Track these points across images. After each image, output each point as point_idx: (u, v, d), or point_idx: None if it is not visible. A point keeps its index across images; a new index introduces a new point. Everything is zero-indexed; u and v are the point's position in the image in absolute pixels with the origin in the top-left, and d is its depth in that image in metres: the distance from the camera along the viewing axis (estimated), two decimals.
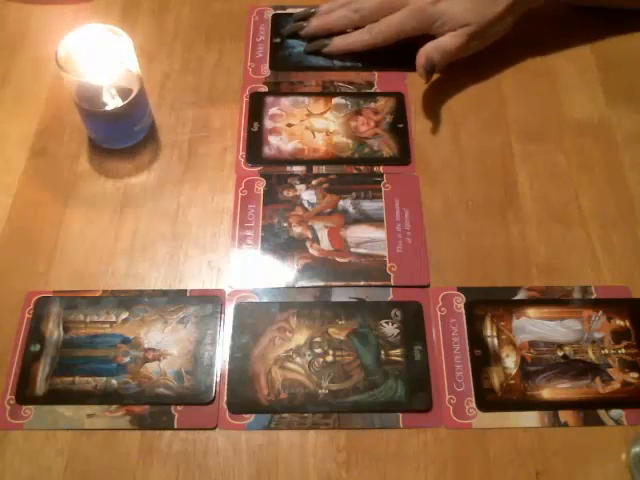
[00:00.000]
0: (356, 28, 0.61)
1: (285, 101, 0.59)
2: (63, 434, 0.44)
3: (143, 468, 0.43)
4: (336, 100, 0.59)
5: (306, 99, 0.59)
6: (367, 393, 0.46)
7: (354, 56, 0.61)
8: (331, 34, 0.62)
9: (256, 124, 0.58)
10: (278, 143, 0.57)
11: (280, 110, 0.59)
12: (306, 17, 0.62)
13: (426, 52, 0.57)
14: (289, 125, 0.58)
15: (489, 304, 0.49)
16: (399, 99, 0.59)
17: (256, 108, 0.59)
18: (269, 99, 0.59)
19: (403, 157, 0.56)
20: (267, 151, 0.56)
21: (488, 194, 0.54)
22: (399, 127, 0.57)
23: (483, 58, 0.60)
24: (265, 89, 0.60)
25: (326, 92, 0.60)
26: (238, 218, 0.53)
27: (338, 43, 0.61)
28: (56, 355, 0.47)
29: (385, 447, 0.44)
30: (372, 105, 0.59)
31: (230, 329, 0.48)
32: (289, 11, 0.65)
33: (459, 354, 0.47)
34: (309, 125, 0.58)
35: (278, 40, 0.63)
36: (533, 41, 0.63)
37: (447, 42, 0.57)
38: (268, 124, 0.58)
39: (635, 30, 0.64)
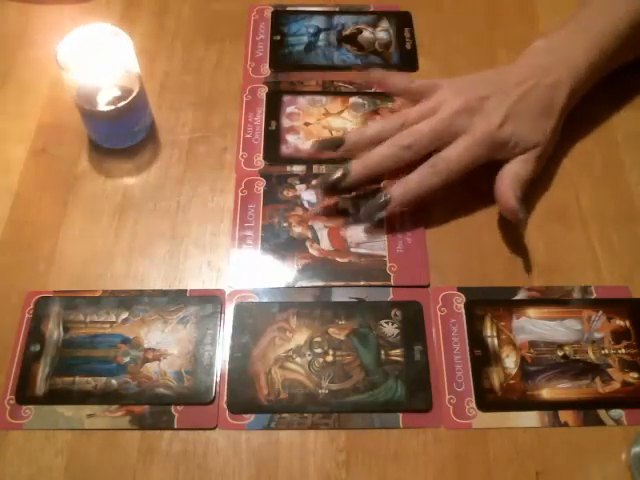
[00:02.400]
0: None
1: (302, 100, 0.59)
2: (63, 434, 0.44)
3: (143, 468, 0.43)
4: (353, 100, 0.59)
5: (323, 98, 0.59)
6: (367, 393, 0.46)
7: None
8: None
9: (274, 123, 0.58)
10: (296, 142, 0.57)
11: (297, 109, 0.59)
12: (335, 147, 0.52)
13: (513, 191, 0.50)
14: (306, 124, 0.58)
15: (489, 304, 0.49)
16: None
17: (273, 107, 0.59)
18: (286, 98, 0.59)
19: None
20: (285, 150, 0.57)
21: (488, 194, 0.54)
22: None
23: None
24: (265, 90, 0.60)
25: (344, 92, 0.60)
26: (238, 218, 0.53)
27: (397, 193, 0.50)
28: (56, 355, 0.47)
29: (385, 447, 0.44)
30: (389, 105, 0.59)
31: (230, 329, 0.48)
32: (289, 9, 0.65)
33: (459, 354, 0.47)
34: (326, 124, 0.58)
35: (278, 38, 0.63)
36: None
37: (523, 170, 0.51)
38: (285, 123, 0.58)
39: None
